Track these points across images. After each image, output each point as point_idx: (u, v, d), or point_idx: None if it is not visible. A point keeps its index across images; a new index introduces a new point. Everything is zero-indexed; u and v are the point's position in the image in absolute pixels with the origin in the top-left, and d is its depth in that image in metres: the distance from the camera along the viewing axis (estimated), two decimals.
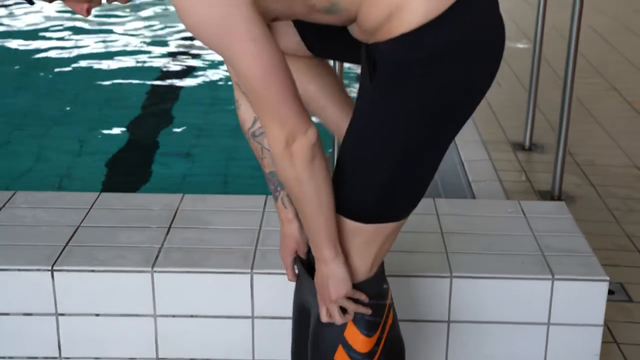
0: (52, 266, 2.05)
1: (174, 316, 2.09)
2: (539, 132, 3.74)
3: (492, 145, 3.70)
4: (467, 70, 1.40)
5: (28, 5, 1.52)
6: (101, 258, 2.10)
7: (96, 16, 6.42)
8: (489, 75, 1.46)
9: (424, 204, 2.36)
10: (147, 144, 4.35)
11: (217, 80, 5.19)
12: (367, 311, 1.52)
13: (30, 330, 2.09)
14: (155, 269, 2.06)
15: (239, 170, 3.95)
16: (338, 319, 1.50)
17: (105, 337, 2.10)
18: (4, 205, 2.36)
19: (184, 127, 4.49)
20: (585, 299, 2.07)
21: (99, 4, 1.41)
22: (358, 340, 1.54)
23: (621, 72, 4.88)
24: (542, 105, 3.90)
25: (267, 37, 1.28)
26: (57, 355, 2.10)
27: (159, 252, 2.13)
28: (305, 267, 1.60)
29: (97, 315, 2.09)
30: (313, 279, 1.54)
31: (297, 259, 1.65)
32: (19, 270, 2.06)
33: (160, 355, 2.11)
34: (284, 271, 1.72)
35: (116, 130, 4.47)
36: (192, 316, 2.09)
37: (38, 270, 2.06)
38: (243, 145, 1.79)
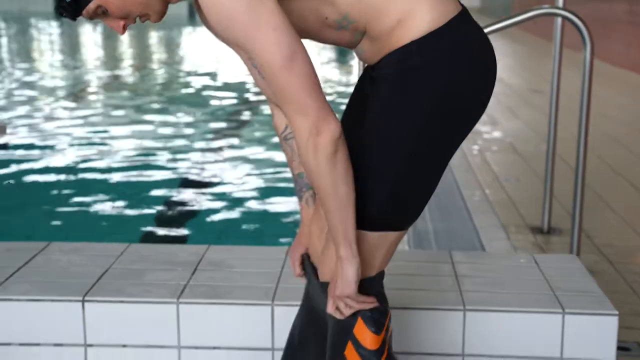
0: (84, 297, 2.16)
1: (197, 347, 2.17)
2: (557, 219, 3.84)
3: (512, 228, 3.79)
4: (466, 79, 1.54)
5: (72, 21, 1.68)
6: (129, 292, 2.20)
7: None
8: (485, 86, 1.59)
9: (440, 254, 2.47)
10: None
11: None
12: (370, 306, 1.59)
13: None
14: (180, 300, 2.16)
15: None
16: (340, 313, 1.58)
17: None
18: (39, 252, 2.49)
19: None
20: (596, 334, 2.12)
21: (134, 21, 1.58)
22: (366, 337, 1.60)
23: (629, 165, 5.00)
24: (560, 196, 4.02)
25: (288, 27, 1.42)
26: None
27: (185, 287, 2.23)
28: (312, 267, 1.69)
29: (124, 346, 2.18)
30: (317, 279, 1.64)
31: (305, 256, 1.74)
32: (52, 300, 2.17)
33: None
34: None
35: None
36: (214, 348, 2.17)
37: (69, 300, 2.16)
38: None
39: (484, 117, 6.69)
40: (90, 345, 2.18)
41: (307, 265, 1.72)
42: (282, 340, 2.15)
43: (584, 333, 2.12)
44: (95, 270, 2.34)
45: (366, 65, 1.67)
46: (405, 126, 1.53)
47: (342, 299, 1.57)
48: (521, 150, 5.58)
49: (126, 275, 2.31)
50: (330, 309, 1.59)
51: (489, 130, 6.30)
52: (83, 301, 2.16)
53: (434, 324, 2.14)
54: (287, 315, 2.14)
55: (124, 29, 1.56)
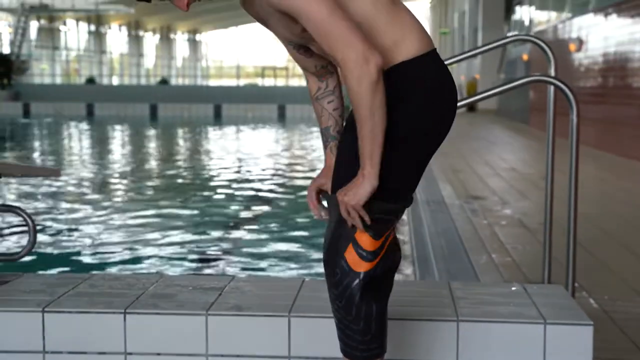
0: (125, 309, 2.49)
1: (222, 356, 2.47)
2: (557, 277, 4.12)
3: (513, 281, 4.07)
4: (444, 94, 1.91)
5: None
6: (164, 306, 2.53)
7: None
8: (451, 112, 1.96)
9: (439, 283, 2.77)
10: None
11: None
12: (361, 224, 1.87)
13: None
14: (209, 312, 2.47)
15: None
16: (350, 219, 1.87)
17: None
18: (84, 281, 2.83)
19: None
20: (574, 343, 2.39)
21: None
22: (367, 240, 1.90)
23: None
24: (560, 256, 4.30)
25: None
26: None
27: (212, 304, 2.54)
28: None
29: (158, 354, 2.48)
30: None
31: (323, 192, 2.09)
32: (97, 312, 2.49)
33: None
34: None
35: None
36: (238, 356, 2.47)
37: (113, 312, 2.49)
38: None
39: (495, 198, 7.04)
40: (130, 354, 2.48)
41: (325, 195, 2.05)
42: (297, 349, 2.45)
43: (563, 342, 2.40)
44: (133, 292, 2.67)
45: None
46: (407, 122, 1.87)
47: (348, 205, 1.86)
48: (528, 224, 5.89)
49: (161, 296, 2.63)
50: (343, 213, 1.87)
51: (499, 209, 6.62)
52: (125, 313, 2.48)
53: (427, 335, 2.43)
54: (302, 326, 2.45)
55: (188, 5, 1.85)
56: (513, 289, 2.78)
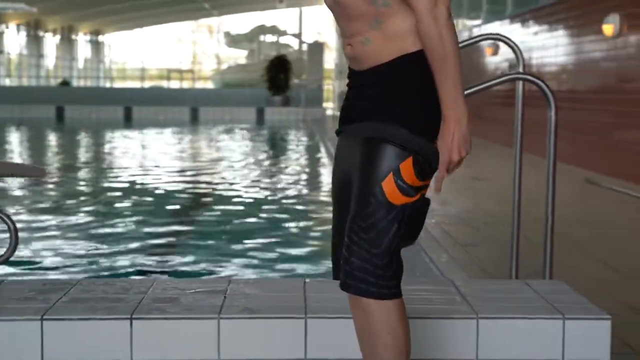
0: (132, 315, 2.35)
1: None
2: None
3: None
4: None
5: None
6: (172, 311, 2.40)
7: None
8: None
9: (443, 281, 2.73)
10: None
11: None
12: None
13: None
14: (221, 315, 2.36)
15: None
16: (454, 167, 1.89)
17: None
18: (73, 287, 2.66)
19: None
20: (592, 337, 2.40)
21: None
22: (410, 172, 1.87)
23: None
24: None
25: None
26: None
27: (221, 307, 2.43)
28: None
29: None
30: None
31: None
32: (101, 319, 2.35)
33: None
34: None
35: None
36: None
37: (119, 319, 2.34)
38: None
39: (435, 197, 7.09)
40: None
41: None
42: (314, 351, 2.37)
43: (581, 336, 2.40)
44: (132, 297, 2.53)
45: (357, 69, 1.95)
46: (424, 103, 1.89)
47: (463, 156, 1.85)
48: (473, 222, 5.95)
49: (164, 300, 2.50)
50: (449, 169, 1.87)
51: (441, 208, 6.67)
52: (131, 319, 2.34)
53: (447, 332, 2.39)
54: (319, 327, 2.37)
55: None
56: (517, 285, 2.77)
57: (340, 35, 2.01)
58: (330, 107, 28.64)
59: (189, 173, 10.58)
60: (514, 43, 3.87)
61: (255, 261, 5.33)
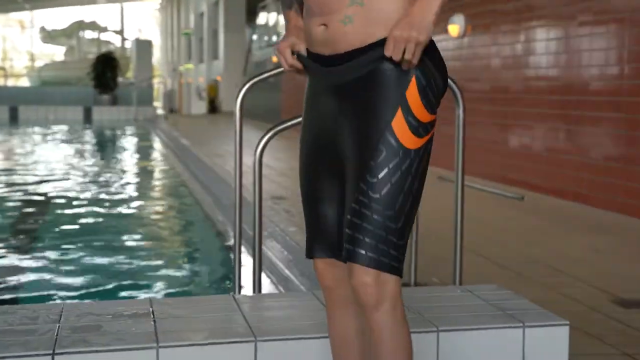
0: (54, 351, 1.99)
1: None
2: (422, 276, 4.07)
3: None
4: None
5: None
6: (100, 342, 2.07)
7: None
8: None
9: None
10: None
11: None
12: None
13: None
14: (160, 344, 2.06)
15: None
16: (411, 57, 1.62)
17: None
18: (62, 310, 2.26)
19: None
20: (551, 343, 2.30)
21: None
22: (419, 105, 1.65)
23: None
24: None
25: None
26: None
27: (156, 334, 2.13)
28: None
29: None
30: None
31: (295, 51, 1.79)
32: (15, 357, 1.98)
33: None
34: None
35: None
36: None
37: (38, 355, 1.98)
38: None
39: (294, 197, 6.91)
40: None
41: (300, 55, 1.77)
42: None
43: (541, 343, 2.29)
44: (44, 327, 2.17)
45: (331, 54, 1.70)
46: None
47: (416, 41, 1.61)
48: None
49: (84, 329, 2.16)
50: (397, 53, 1.61)
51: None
52: (53, 354, 1.99)
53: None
54: (270, 350, 2.12)
55: None
56: (458, 291, 2.64)
57: (309, 14, 1.74)
58: (160, 106, 27.87)
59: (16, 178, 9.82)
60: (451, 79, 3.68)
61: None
